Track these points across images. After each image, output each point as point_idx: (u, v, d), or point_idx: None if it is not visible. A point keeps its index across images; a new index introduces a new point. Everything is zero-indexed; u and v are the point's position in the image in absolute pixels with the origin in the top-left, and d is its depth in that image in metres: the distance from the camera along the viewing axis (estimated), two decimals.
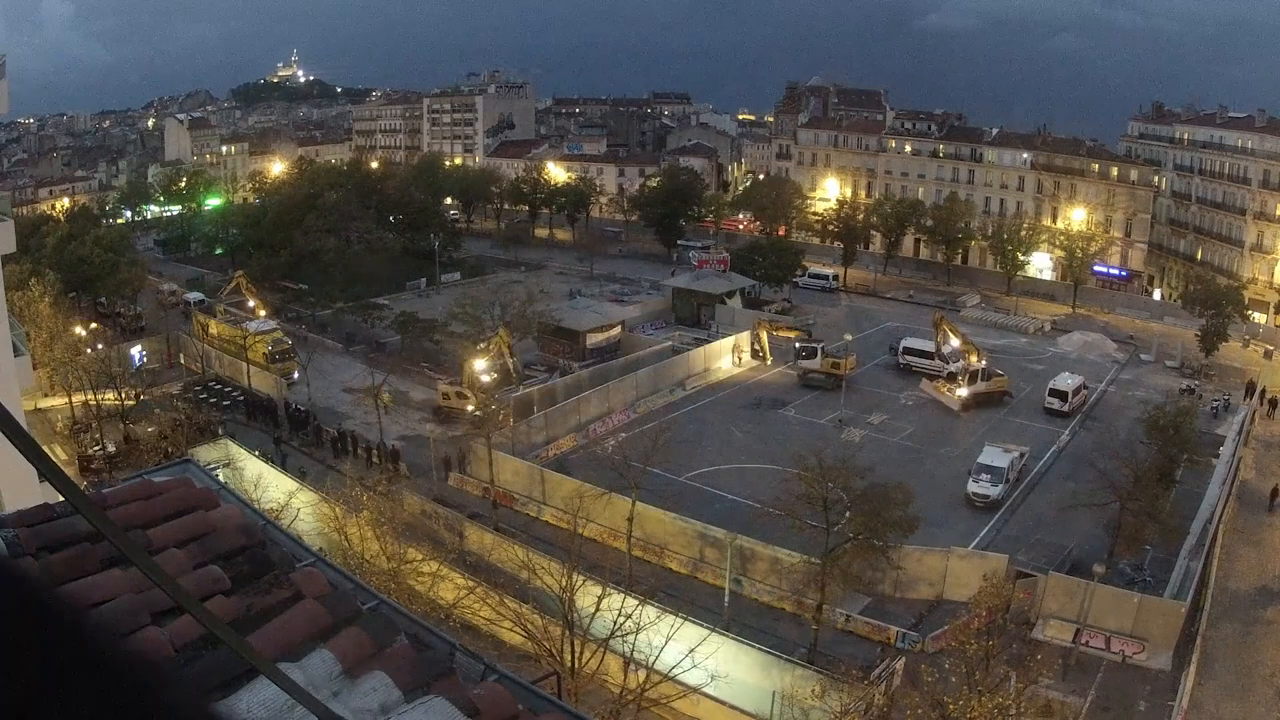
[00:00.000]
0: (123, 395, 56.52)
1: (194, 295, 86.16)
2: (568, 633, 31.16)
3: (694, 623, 34.16)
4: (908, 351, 71.21)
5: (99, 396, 56.28)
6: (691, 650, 30.80)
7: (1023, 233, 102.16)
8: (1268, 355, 79.08)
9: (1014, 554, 41.68)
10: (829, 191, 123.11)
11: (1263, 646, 37.84)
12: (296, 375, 64.26)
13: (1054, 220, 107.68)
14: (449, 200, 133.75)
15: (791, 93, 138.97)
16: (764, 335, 73.24)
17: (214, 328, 72.94)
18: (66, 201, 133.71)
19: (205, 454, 46.34)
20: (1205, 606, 38.96)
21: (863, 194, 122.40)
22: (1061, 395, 63.89)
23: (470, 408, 54.49)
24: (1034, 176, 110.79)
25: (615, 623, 31.43)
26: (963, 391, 63.28)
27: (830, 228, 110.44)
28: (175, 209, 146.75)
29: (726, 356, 72.03)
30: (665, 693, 31.25)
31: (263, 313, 75.47)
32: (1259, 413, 63.30)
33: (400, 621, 4.04)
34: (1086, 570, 38.66)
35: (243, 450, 50.06)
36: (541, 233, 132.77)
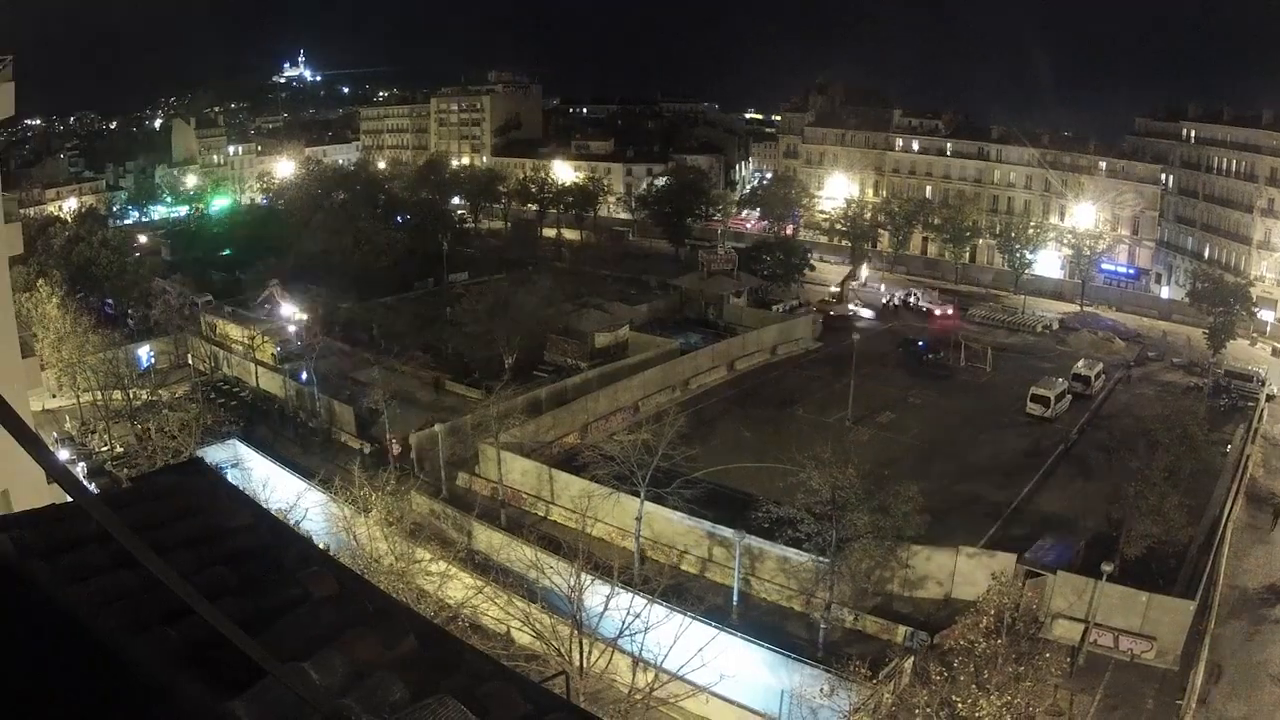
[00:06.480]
0: (131, 396, 56.61)
1: (203, 296, 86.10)
2: (576, 632, 31.20)
3: (703, 622, 34.21)
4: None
5: (107, 397, 56.41)
6: (700, 649, 30.83)
7: (1030, 231, 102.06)
8: (1276, 353, 78.83)
9: (1022, 552, 41.65)
10: (836, 190, 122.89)
11: (1271, 645, 37.77)
12: (305, 375, 64.18)
13: (1061, 218, 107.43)
14: (456, 200, 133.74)
15: (800, 91, 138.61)
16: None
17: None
18: (74, 202, 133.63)
19: (214, 454, 46.46)
20: (1214, 604, 38.90)
21: (870, 192, 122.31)
22: (1084, 379, 67.28)
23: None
24: (1041, 174, 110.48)
25: (624, 622, 31.49)
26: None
27: (838, 226, 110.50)
28: (183, 210, 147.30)
29: None
30: (674, 692, 31.32)
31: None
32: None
33: (409, 621, 4.05)
34: (1095, 568, 38.59)
35: (251, 450, 50.17)
36: (549, 232, 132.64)
